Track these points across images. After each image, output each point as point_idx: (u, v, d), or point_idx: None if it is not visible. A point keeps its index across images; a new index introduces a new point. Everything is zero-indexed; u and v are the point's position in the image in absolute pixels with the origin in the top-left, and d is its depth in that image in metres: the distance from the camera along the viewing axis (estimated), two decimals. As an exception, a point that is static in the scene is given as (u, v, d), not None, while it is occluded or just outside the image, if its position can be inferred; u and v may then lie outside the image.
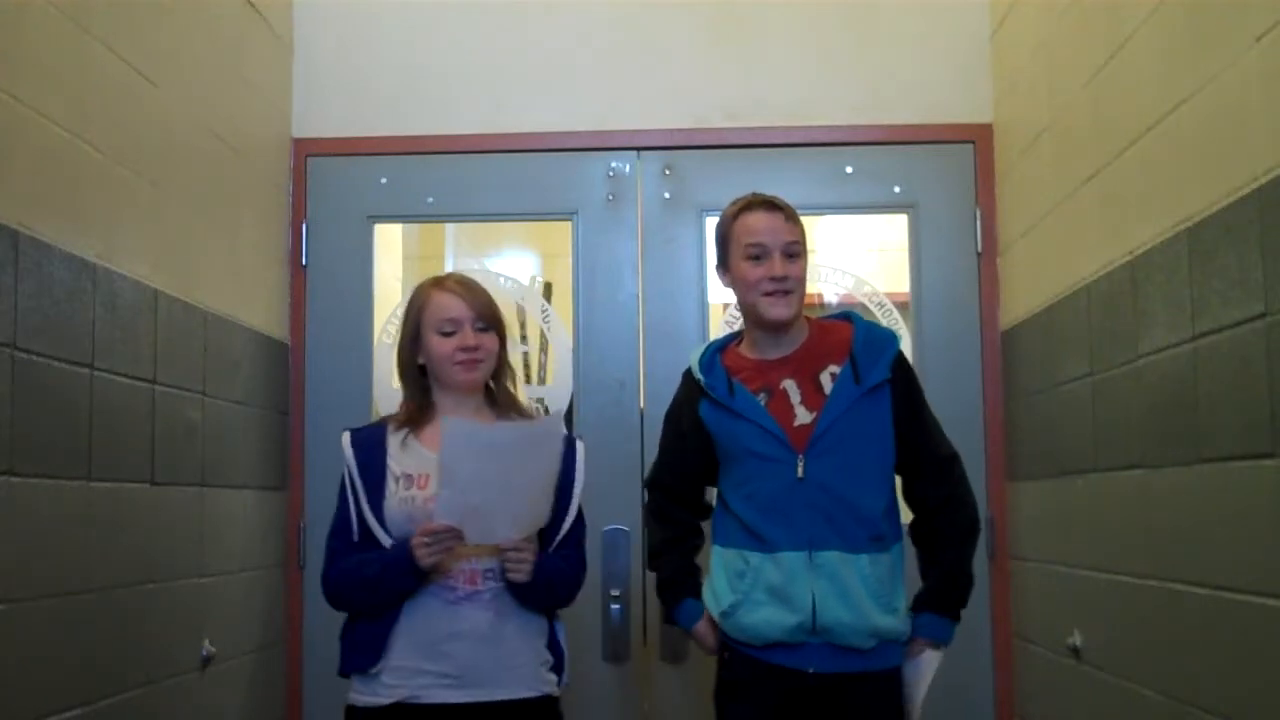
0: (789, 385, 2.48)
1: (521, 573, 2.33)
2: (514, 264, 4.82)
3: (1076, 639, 2.79)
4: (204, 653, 2.86)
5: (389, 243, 4.21)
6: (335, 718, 3.29)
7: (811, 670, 2.39)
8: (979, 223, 3.49)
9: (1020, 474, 3.27)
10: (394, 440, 2.46)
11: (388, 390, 3.63)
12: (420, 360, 2.49)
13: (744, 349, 2.58)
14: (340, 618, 2.46)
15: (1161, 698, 2.34)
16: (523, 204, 3.64)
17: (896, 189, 3.53)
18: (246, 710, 3.15)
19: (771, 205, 2.52)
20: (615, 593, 3.35)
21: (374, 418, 3.59)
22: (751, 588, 2.41)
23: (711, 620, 2.50)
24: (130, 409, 2.53)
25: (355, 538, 2.40)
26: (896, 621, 2.42)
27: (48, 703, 2.19)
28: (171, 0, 2.80)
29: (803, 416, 2.44)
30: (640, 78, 3.61)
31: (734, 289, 2.54)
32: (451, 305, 2.45)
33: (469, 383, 2.47)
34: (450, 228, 5.00)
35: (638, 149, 3.59)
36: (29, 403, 2.12)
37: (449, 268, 5.07)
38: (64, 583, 2.25)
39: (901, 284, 3.60)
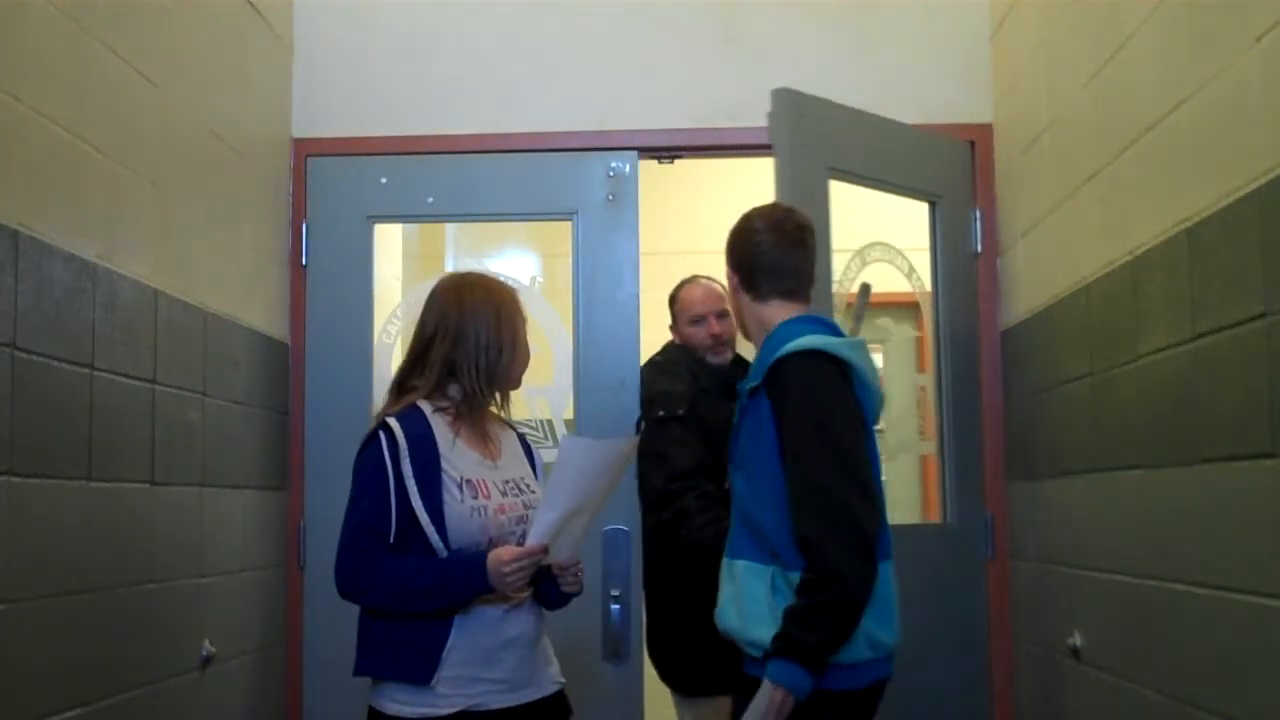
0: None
1: (579, 584, 2.35)
2: (514, 264, 4.83)
3: (1076, 639, 2.79)
4: (204, 653, 2.85)
5: (389, 243, 4.21)
6: (335, 718, 3.30)
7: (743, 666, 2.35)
8: (979, 223, 3.49)
9: (1020, 474, 3.27)
10: (442, 437, 2.30)
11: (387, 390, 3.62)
12: (497, 357, 2.35)
13: None
14: (344, 617, 2.40)
15: (1161, 698, 2.34)
16: (523, 204, 3.64)
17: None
18: (246, 710, 3.14)
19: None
20: (615, 593, 3.35)
21: (373, 419, 3.60)
22: None
23: None
24: (130, 409, 2.53)
25: (392, 538, 2.23)
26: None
27: (48, 703, 2.19)
28: (171, 0, 2.80)
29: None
30: (640, 78, 3.61)
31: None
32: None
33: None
34: (450, 228, 5.00)
35: (638, 149, 3.59)
36: (29, 403, 2.12)
37: (449, 268, 5.08)
38: (64, 583, 2.25)
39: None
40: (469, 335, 2.33)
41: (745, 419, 2.34)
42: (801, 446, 2.22)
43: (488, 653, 2.25)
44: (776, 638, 2.19)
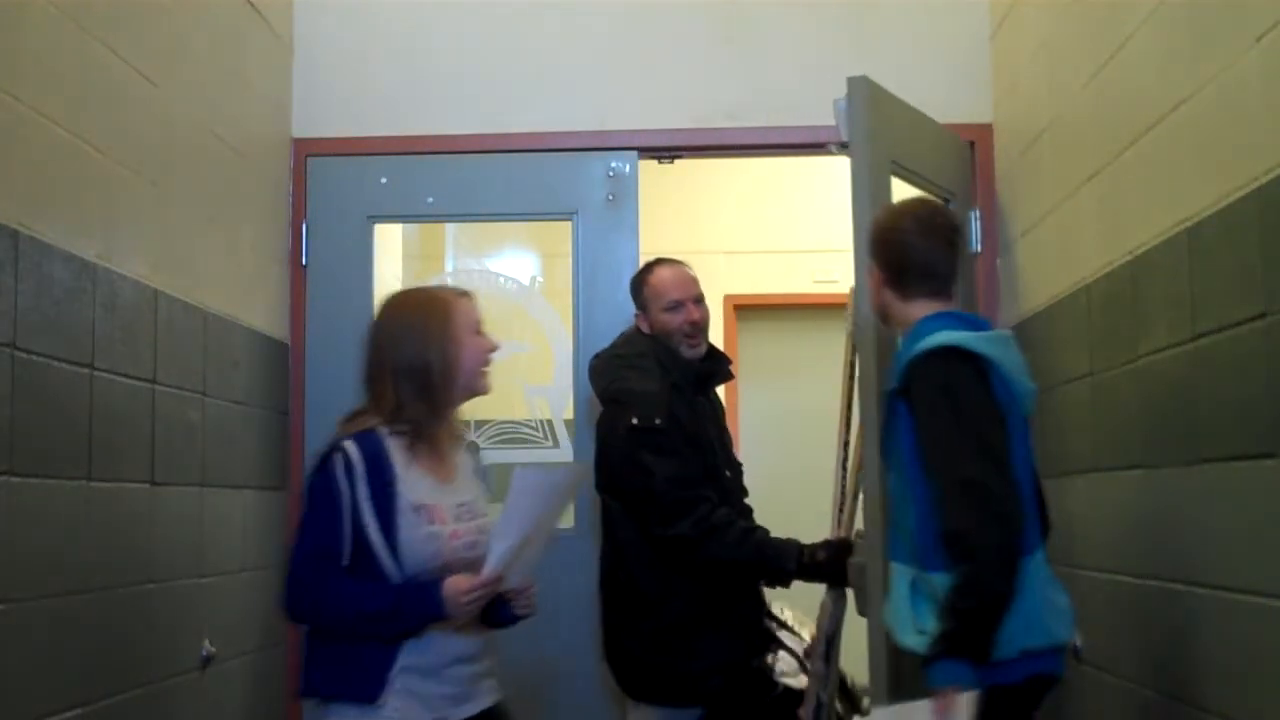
0: None
1: (532, 607, 2.34)
2: (514, 264, 4.83)
3: (1076, 639, 2.79)
4: (204, 653, 2.85)
5: (389, 243, 4.21)
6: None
7: None
8: (979, 223, 3.49)
9: (1020, 474, 3.27)
10: (398, 461, 2.26)
11: (388, 390, 3.62)
12: (428, 376, 2.30)
13: None
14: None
15: (1161, 698, 2.34)
16: (523, 204, 3.64)
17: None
18: (246, 710, 3.15)
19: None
20: (615, 593, 3.33)
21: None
22: None
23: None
24: (130, 409, 2.53)
25: (345, 561, 2.21)
26: (921, 642, 2.21)
27: (48, 703, 2.19)
28: (171, 0, 2.80)
29: None
30: (640, 78, 3.61)
31: None
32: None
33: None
34: (450, 228, 5.00)
35: (638, 149, 3.59)
36: (29, 403, 2.12)
37: (449, 268, 5.08)
38: (64, 583, 2.24)
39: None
40: (397, 363, 2.30)
41: (890, 419, 2.31)
42: (944, 442, 2.16)
43: (435, 670, 2.24)
44: (935, 640, 2.13)
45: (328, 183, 3.61)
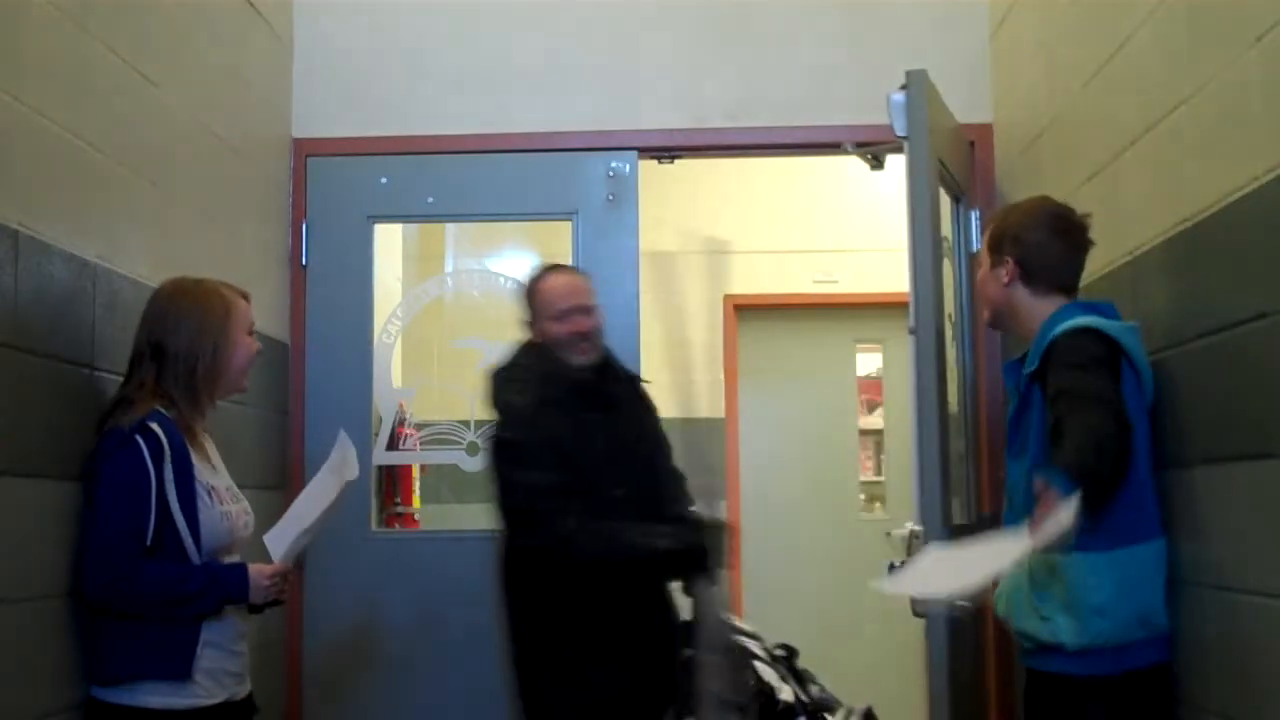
0: None
1: (287, 594, 2.45)
2: (514, 264, 4.83)
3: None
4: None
5: (389, 243, 4.21)
6: (335, 716, 3.30)
7: None
8: (979, 223, 3.48)
9: (1020, 474, 3.27)
10: (189, 444, 2.32)
11: (387, 390, 3.63)
12: (194, 366, 2.34)
13: None
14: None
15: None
16: (523, 204, 3.64)
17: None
18: (246, 710, 3.14)
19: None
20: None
21: (374, 418, 3.61)
22: None
23: None
24: (130, 409, 2.53)
25: (148, 542, 2.21)
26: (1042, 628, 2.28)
27: (48, 702, 2.18)
28: (171, 0, 2.80)
29: None
30: (640, 78, 3.62)
31: None
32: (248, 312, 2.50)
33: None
34: (450, 228, 5.01)
35: (638, 149, 3.60)
36: (29, 403, 2.12)
37: (449, 268, 5.09)
38: (64, 583, 2.24)
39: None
40: (168, 348, 2.32)
41: (1023, 405, 2.36)
42: (1068, 386, 2.17)
43: (227, 647, 2.33)
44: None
45: (328, 183, 3.61)
